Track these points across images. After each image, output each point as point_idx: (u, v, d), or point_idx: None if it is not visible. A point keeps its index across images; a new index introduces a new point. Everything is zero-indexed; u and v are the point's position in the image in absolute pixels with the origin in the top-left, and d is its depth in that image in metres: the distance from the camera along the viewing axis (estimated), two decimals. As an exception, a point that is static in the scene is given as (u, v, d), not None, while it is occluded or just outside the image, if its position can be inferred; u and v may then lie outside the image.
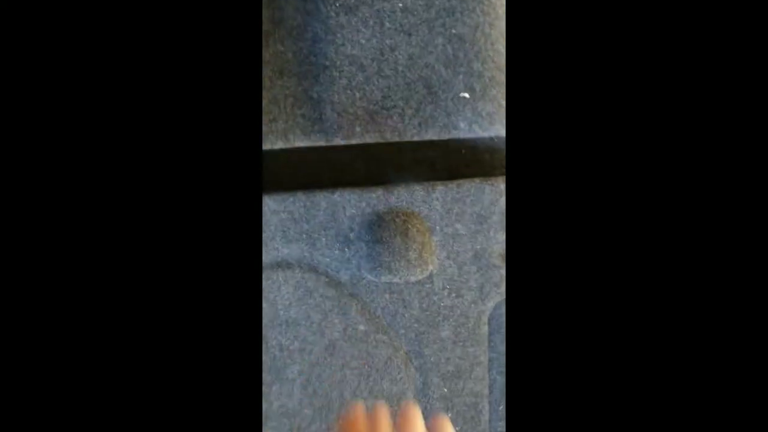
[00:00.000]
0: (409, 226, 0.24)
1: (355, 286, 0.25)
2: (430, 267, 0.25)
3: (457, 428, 0.27)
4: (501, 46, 0.25)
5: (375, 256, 0.24)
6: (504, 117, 0.24)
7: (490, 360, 0.26)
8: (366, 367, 0.25)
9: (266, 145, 0.25)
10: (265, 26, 0.26)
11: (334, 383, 0.25)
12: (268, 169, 0.26)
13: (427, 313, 0.25)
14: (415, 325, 0.25)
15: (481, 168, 0.27)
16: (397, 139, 0.25)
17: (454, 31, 0.23)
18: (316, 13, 0.25)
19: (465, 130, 0.25)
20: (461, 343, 0.25)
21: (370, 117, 0.24)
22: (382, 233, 0.24)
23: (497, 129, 0.24)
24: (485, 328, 0.25)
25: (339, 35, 0.25)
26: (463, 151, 0.27)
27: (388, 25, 0.24)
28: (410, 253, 0.23)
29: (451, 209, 0.25)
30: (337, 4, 0.25)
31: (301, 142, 0.25)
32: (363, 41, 0.24)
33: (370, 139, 0.25)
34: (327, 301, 0.25)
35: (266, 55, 0.26)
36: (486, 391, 0.25)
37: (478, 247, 0.25)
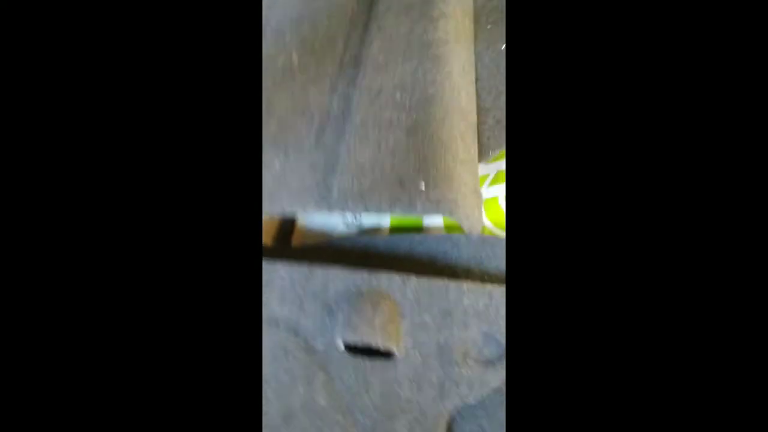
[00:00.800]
0: (381, 302, 0.26)
1: (327, 357, 0.26)
2: (394, 347, 0.26)
3: None
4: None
5: (347, 321, 0.26)
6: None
7: None
8: None
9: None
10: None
11: None
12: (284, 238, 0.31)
13: (387, 401, 0.25)
14: (374, 413, 0.25)
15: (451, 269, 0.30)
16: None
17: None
18: None
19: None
20: None
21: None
22: (357, 303, 0.26)
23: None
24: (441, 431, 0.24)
25: None
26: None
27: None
28: (376, 320, 0.25)
29: (421, 299, 0.26)
30: None
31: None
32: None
33: None
34: (298, 365, 0.26)
35: None
36: None
37: (442, 339, 0.25)
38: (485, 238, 0.31)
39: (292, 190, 0.27)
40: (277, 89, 0.32)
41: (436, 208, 0.25)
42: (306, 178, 0.27)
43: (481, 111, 0.32)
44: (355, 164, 0.26)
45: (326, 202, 0.26)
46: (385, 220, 0.34)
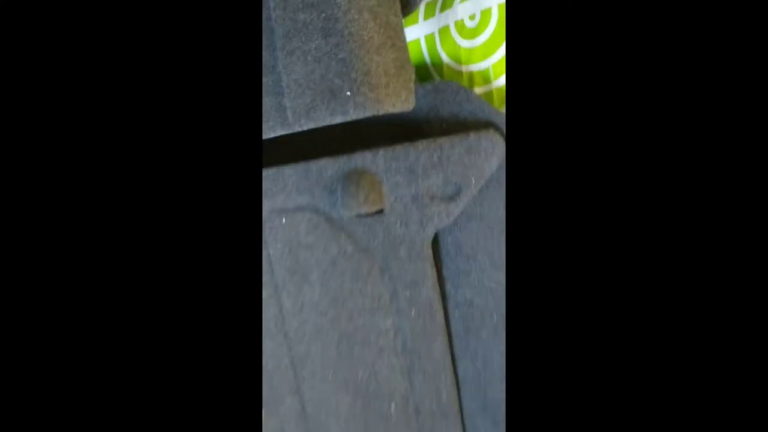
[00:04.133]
0: (361, 179, 0.34)
1: (342, 222, 0.36)
2: (381, 206, 0.35)
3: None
4: None
5: (341, 202, 0.35)
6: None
7: (441, 275, 0.36)
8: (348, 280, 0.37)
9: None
10: None
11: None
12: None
13: (389, 239, 0.36)
14: (381, 249, 0.36)
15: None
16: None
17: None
18: None
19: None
20: (413, 259, 0.35)
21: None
22: (345, 184, 0.35)
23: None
24: (428, 250, 0.35)
25: None
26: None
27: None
28: (360, 195, 0.33)
29: (390, 166, 0.33)
30: None
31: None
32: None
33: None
34: (327, 232, 0.37)
35: None
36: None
37: (413, 191, 0.34)
38: (437, 86, 0.34)
39: (264, 115, 0.33)
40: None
41: (364, 111, 0.29)
42: (266, 103, 0.32)
43: None
44: (294, 83, 0.30)
45: (287, 124, 0.32)
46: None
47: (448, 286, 0.36)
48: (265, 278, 0.39)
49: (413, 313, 0.36)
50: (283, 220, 0.37)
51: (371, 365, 0.38)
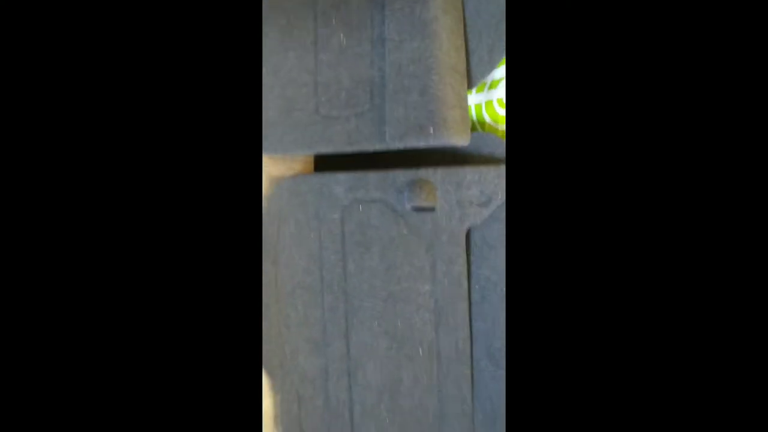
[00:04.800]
0: (423, 185, 0.51)
1: (404, 212, 0.52)
2: (434, 204, 0.52)
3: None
4: None
5: (408, 197, 0.52)
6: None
7: (468, 254, 0.51)
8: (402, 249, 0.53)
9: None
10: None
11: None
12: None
13: (436, 227, 0.51)
14: (430, 233, 0.52)
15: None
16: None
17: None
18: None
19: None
20: (452, 244, 0.52)
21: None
22: (412, 187, 0.52)
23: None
24: (463, 239, 0.51)
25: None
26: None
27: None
28: (423, 194, 0.49)
29: (444, 179, 0.51)
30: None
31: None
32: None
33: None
34: (391, 219, 0.52)
35: None
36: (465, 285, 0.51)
37: (458, 197, 0.51)
38: (480, 135, 0.53)
39: (364, 135, 0.51)
40: (338, 64, 0.53)
41: (440, 140, 0.48)
42: (370, 129, 0.51)
43: (469, 53, 0.51)
44: (395, 119, 0.49)
45: (384, 142, 0.50)
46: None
47: (473, 267, 0.52)
48: (336, 247, 0.55)
49: (446, 282, 0.51)
50: (360, 207, 0.54)
51: (408, 318, 0.52)
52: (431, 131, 0.47)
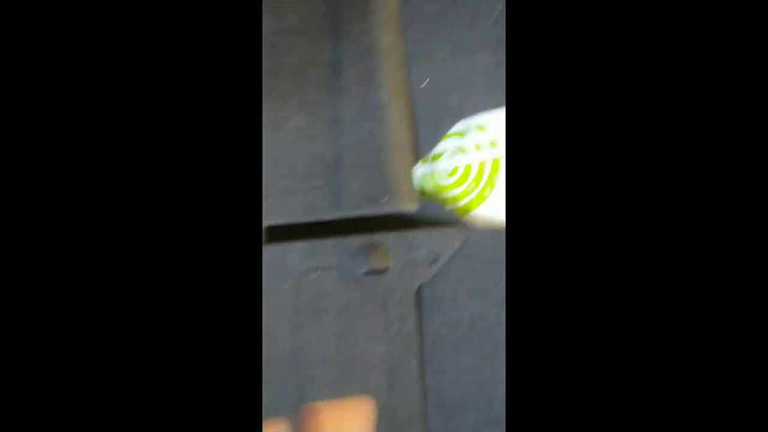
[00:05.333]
0: (378, 248, 0.55)
1: (359, 278, 0.56)
2: (387, 266, 0.55)
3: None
4: None
5: (363, 261, 0.55)
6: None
7: (420, 310, 0.55)
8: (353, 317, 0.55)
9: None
10: None
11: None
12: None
13: (388, 289, 0.55)
14: (382, 294, 0.55)
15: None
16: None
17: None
18: None
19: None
20: (403, 303, 0.55)
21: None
22: (366, 251, 0.55)
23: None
24: (413, 297, 0.54)
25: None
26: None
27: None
28: (376, 257, 0.54)
29: (396, 242, 0.55)
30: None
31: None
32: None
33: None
34: (348, 285, 0.56)
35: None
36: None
37: (408, 258, 0.55)
38: (426, 203, 0.58)
39: (324, 206, 0.55)
40: (295, 142, 0.57)
41: (392, 208, 0.53)
42: (328, 200, 0.55)
43: (416, 131, 0.58)
44: (352, 191, 0.54)
45: (342, 211, 0.54)
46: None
47: (424, 323, 0.55)
48: (288, 317, 0.56)
49: (398, 341, 0.54)
50: (317, 273, 0.56)
51: (362, 383, 0.54)
52: (385, 200, 0.52)
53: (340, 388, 0.53)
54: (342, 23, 0.58)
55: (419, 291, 0.55)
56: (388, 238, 0.55)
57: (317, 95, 0.57)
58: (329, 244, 0.56)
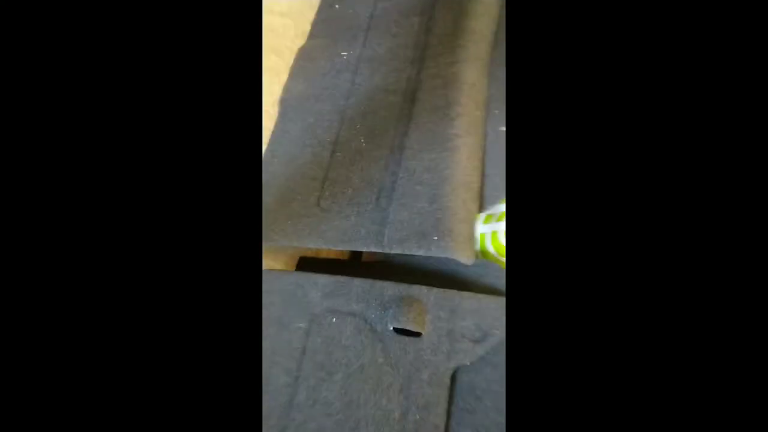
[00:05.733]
0: (414, 303, 0.44)
1: (383, 335, 0.44)
2: (422, 329, 0.43)
3: None
4: None
5: (394, 315, 0.44)
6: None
7: (450, 403, 0.41)
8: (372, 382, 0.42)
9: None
10: None
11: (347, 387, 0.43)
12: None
13: (417, 360, 0.42)
14: (410, 367, 0.43)
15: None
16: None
17: None
18: None
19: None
20: (432, 384, 0.42)
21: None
22: (400, 304, 0.44)
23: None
24: (448, 380, 0.41)
25: None
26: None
27: None
28: (411, 315, 0.42)
29: (438, 302, 0.43)
30: None
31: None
32: None
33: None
34: (366, 340, 0.44)
35: None
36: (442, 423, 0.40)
37: (450, 327, 0.43)
38: (485, 263, 0.47)
39: (360, 235, 0.45)
40: (352, 165, 0.50)
41: (443, 251, 0.42)
42: (369, 228, 0.45)
43: (485, 177, 0.48)
44: (398, 221, 0.44)
45: (381, 244, 0.44)
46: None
47: (453, 422, 0.41)
48: (291, 365, 0.44)
49: None
50: (334, 319, 0.45)
51: None
52: (435, 239, 0.42)
53: None
54: (427, 54, 0.53)
55: (455, 375, 0.42)
56: (428, 294, 0.43)
57: (386, 120, 0.51)
58: (357, 285, 0.45)
